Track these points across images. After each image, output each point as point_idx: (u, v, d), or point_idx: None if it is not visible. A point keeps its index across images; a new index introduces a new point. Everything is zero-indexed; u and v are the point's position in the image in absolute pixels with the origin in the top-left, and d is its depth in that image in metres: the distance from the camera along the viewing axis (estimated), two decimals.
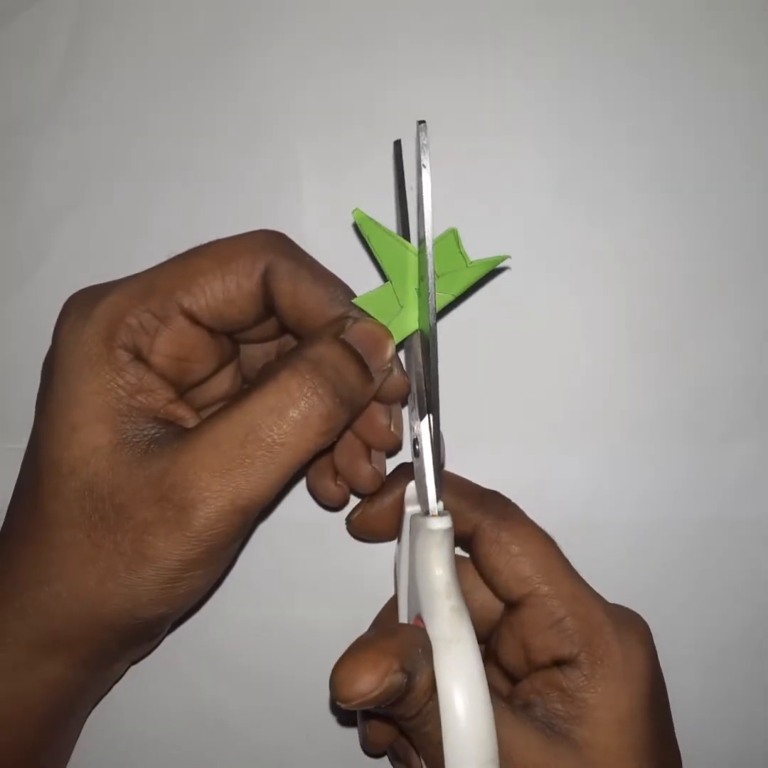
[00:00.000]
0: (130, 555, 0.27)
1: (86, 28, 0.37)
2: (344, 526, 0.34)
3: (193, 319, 0.29)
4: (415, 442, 0.29)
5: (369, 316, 0.30)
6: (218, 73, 0.37)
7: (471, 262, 0.30)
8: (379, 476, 0.32)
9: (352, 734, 0.36)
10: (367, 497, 0.32)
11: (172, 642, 0.35)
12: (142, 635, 0.30)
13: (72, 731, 0.33)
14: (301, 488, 0.36)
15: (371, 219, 0.29)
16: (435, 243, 0.29)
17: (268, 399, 0.27)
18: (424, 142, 0.27)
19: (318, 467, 0.32)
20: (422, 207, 0.28)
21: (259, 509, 0.27)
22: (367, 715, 0.31)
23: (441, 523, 0.28)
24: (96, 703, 0.34)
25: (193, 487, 0.26)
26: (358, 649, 0.26)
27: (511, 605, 0.30)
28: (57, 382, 0.28)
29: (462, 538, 0.31)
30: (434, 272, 0.28)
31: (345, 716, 0.36)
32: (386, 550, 0.35)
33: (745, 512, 0.36)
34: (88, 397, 0.27)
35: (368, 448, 0.31)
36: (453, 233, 0.29)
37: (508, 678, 0.30)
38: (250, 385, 0.28)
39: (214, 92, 0.37)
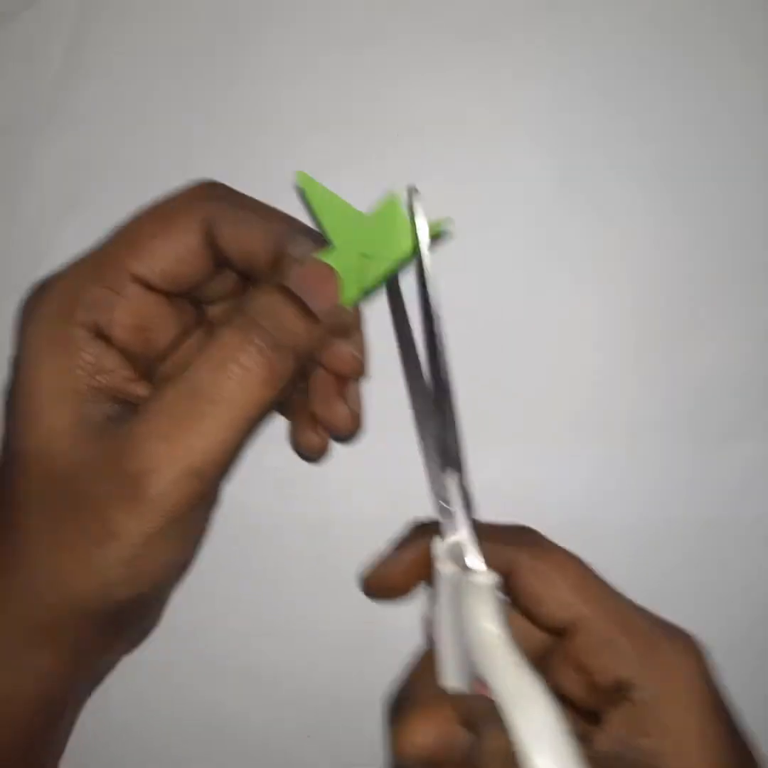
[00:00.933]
0: (94, 534, 0.26)
1: (86, 28, 0.37)
2: (345, 525, 0.34)
3: (146, 284, 0.29)
4: (442, 499, 0.29)
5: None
6: (218, 73, 0.37)
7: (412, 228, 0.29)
8: (356, 415, 0.31)
9: (352, 734, 0.36)
10: (380, 555, 0.32)
11: (170, 641, 0.35)
12: (120, 621, 0.30)
13: (63, 727, 0.32)
14: (300, 488, 0.36)
15: (314, 182, 0.29)
16: (377, 209, 0.29)
17: (210, 358, 0.27)
18: (418, 208, 0.28)
19: (298, 421, 0.32)
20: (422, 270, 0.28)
21: (217, 471, 0.27)
22: None
23: (486, 578, 0.28)
24: (87, 698, 0.34)
25: (145, 455, 0.26)
26: (418, 703, 0.25)
27: (559, 634, 0.29)
28: (19, 372, 0.28)
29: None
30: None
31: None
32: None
33: (745, 512, 0.36)
34: (47, 381, 0.27)
35: (341, 384, 0.31)
36: (392, 198, 0.29)
37: (570, 706, 0.30)
38: (199, 348, 0.28)
39: (214, 92, 0.37)
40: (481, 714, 0.25)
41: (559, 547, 0.30)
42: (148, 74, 0.37)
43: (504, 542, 0.30)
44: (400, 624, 0.35)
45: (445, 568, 0.30)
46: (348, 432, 0.32)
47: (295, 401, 0.32)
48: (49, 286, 0.29)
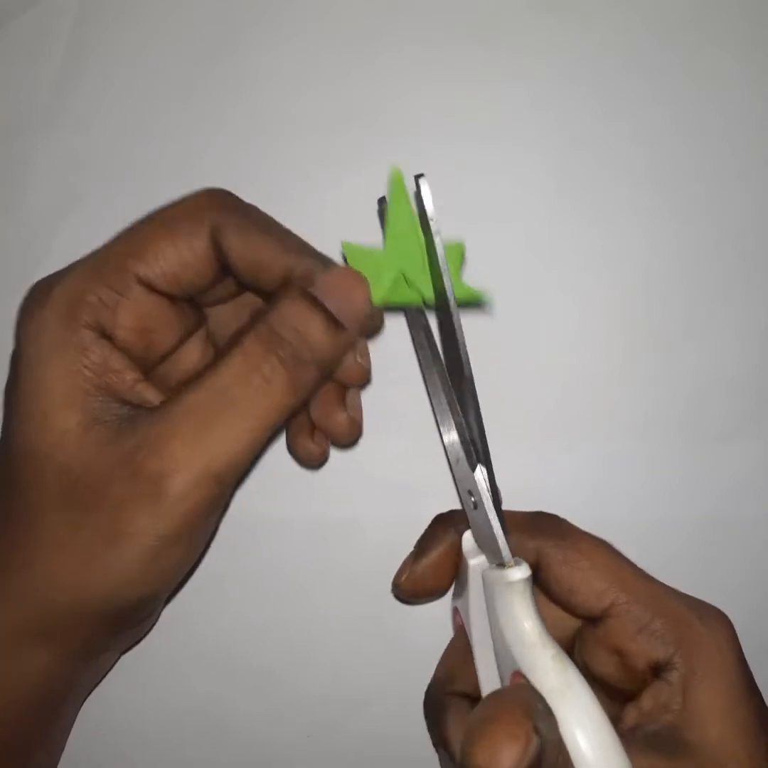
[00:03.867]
0: (107, 534, 0.27)
1: (86, 28, 0.37)
2: (344, 526, 0.34)
3: (150, 287, 0.29)
4: (470, 493, 0.29)
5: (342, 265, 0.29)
6: (218, 72, 0.37)
7: (459, 282, 0.29)
8: (356, 423, 0.31)
9: (352, 734, 0.36)
10: (410, 556, 0.32)
11: (171, 641, 0.35)
12: (125, 620, 0.30)
13: (62, 725, 0.32)
14: (301, 487, 0.36)
15: (406, 188, 0.28)
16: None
17: (234, 365, 0.27)
18: (426, 193, 0.27)
19: (294, 426, 0.32)
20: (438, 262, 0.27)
21: (234, 476, 0.27)
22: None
23: (520, 573, 0.27)
24: (87, 696, 0.34)
25: (165, 457, 0.26)
26: (490, 723, 0.24)
27: (593, 620, 0.30)
28: (22, 372, 0.28)
29: None
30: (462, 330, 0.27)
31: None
32: (387, 549, 0.35)
33: (744, 512, 0.36)
34: (55, 381, 0.27)
35: (341, 391, 0.31)
36: (459, 247, 0.29)
37: (604, 689, 0.30)
38: (219, 352, 0.28)
39: (214, 92, 0.37)
40: (542, 715, 0.25)
41: (585, 533, 0.30)
42: (148, 74, 0.37)
43: (529, 532, 0.30)
44: (401, 624, 0.35)
45: (474, 560, 0.30)
46: (347, 439, 0.32)
47: None
48: (52, 286, 0.29)
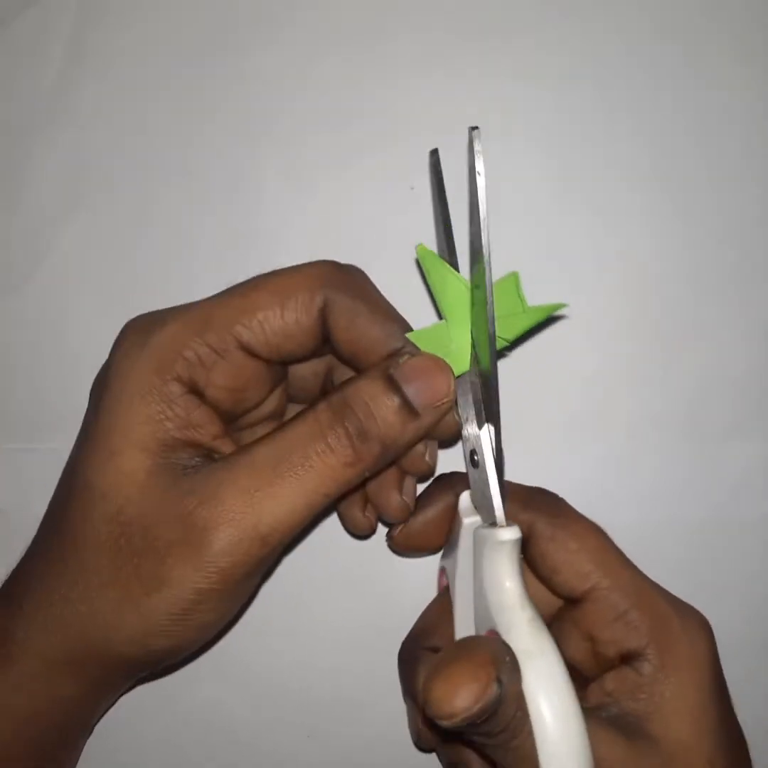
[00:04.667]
0: (146, 579, 0.27)
1: (86, 28, 0.37)
2: (344, 526, 0.34)
3: (250, 352, 0.29)
4: (473, 452, 0.29)
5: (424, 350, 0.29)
6: (218, 72, 0.37)
7: (528, 308, 0.29)
8: (408, 507, 0.31)
9: (352, 734, 0.36)
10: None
11: None
12: (148, 666, 0.30)
13: (77, 747, 0.33)
14: None
15: (433, 253, 0.29)
16: (494, 285, 0.28)
17: (301, 428, 0.27)
18: (479, 148, 0.26)
19: (348, 495, 0.32)
20: (477, 215, 0.27)
21: (281, 541, 0.27)
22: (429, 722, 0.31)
23: (511, 534, 0.27)
24: (101, 718, 0.34)
25: (218, 504, 0.26)
26: (452, 662, 0.25)
27: (572, 601, 0.30)
28: (104, 407, 0.28)
29: None
30: (491, 281, 0.27)
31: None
32: (386, 549, 0.35)
33: (745, 512, 0.36)
34: (134, 425, 0.27)
35: (400, 475, 0.31)
36: (514, 277, 0.29)
37: (574, 673, 0.30)
38: (294, 416, 0.28)
39: (214, 92, 0.37)
40: (506, 666, 0.25)
41: (580, 515, 0.31)
42: (148, 74, 0.37)
43: (525, 504, 0.30)
44: (401, 624, 0.35)
45: (468, 519, 0.30)
46: (396, 520, 0.32)
47: None
48: (153, 330, 0.28)
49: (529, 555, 0.30)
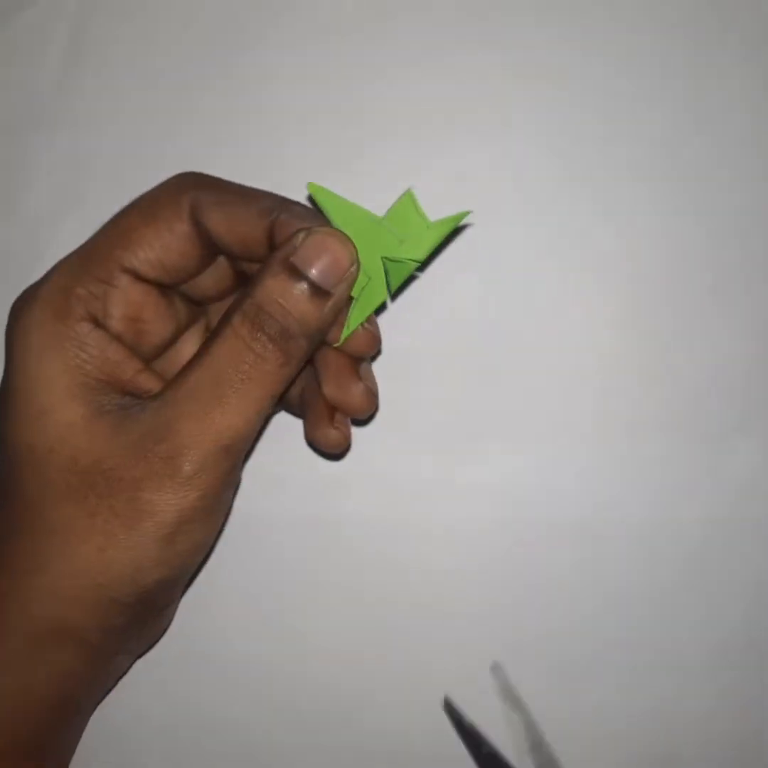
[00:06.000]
0: (126, 515, 0.27)
1: (86, 28, 0.37)
2: (345, 525, 0.34)
3: (137, 275, 0.29)
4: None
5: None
6: (218, 71, 0.37)
7: (432, 223, 0.28)
8: (372, 393, 0.31)
9: (352, 734, 0.36)
10: None
11: (168, 641, 0.35)
12: (145, 608, 0.30)
13: (75, 729, 0.32)
14: (301, 485, 0.36)
15: (325, 189, 0.28)
16: (392, 208, 0.28)
17: (226, 345, 0.27)
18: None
19: (313, 416, 0.32)
20: None
21: (244, 446, 0.28)
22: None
23: None
24: (99, 702, 0.34)
25: (177, 435, 0.27)
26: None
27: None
28: (16, 369, 0.28)
29: None
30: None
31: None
32: (387, 551, 0.35)
33: (746, 512, 0.36)
34: (53, 377, 0.27)
35: (352, 362, 0.31)
36: (409, 196, 0.28)
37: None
38: (211, 333, 0.28)
39: (214, 91, 0.37)
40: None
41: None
42: (148, 74, 0.37)
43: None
44: (402, 623, 0.35)
45: None
46: (367, 412, 0.31)
47: (305, 397, 0.32)
48: (38, 287, 0.29)
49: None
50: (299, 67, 0.37)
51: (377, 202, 0.36)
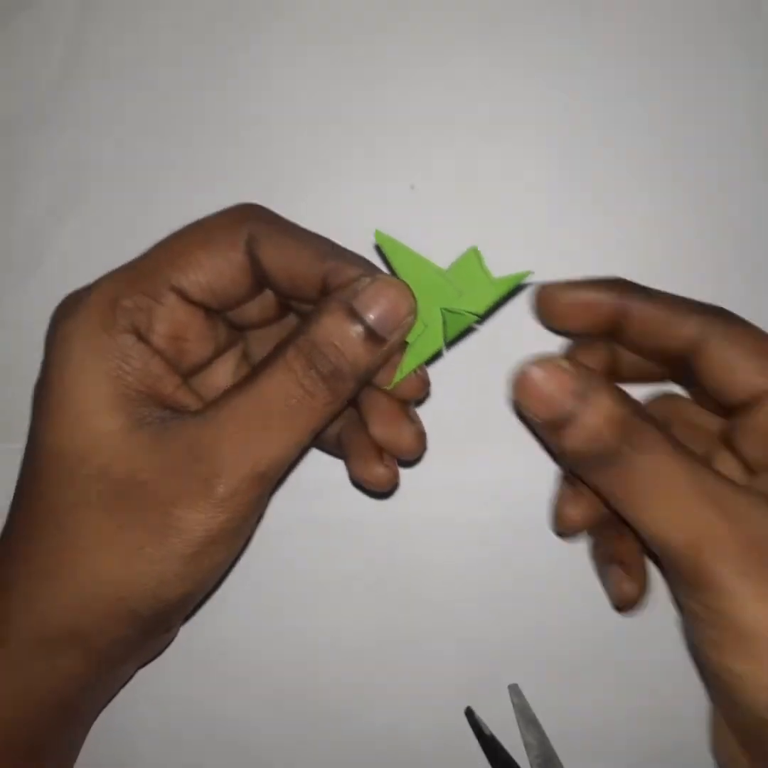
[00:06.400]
0: (156, 529, 0.27)
1: (86, 28, 0.37)
2: (346, 526, 0.34)
3: (184, 296, 0.29)
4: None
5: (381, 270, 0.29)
6: (218, 71, 0.37)
7: (494, 279, 0.29)
8: (423, 435, 0.31)
9: (352, 734, 0.36)
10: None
11: (175, 640, 0.35)
12: (162, 622, 0.30)
13: (77, 732, 0.32)
14: (305, 487, 0.36)
15: (392, 239, 0.29)
16: (456, 263, 0.29)
17: (277, 376, 0.27)
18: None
19: (358, 456, 0.32)
20: None
21: (276, 476, 0.28)
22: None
23: None
24: (102, 708, 0.34)
25: (216, 457, 0.27)
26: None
27: (744, 407, 0.29)
28: (57, 375, 0.28)
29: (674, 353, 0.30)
30: None
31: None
32: (387, 552, 0.35)
33: None
34: (94, 385, 0.28)
35: (401, 405, 0.31)
36: (474, 252, 0.29)
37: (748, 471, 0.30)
38: (261, 362, 0.28)
39: (214, 91, 0.37)
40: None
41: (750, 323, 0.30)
42: (148, 74, 0.37)
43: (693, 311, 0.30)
44: (403, 624, 0.35)
45: None
46: (416, 453, 0.31)
47: (344, 437, 0.32)
48: (85, 294, 0.29)
49: (696, 365, 0.30)
50: (301, 66, 0.37)
51: (378, 202, 0.36)
